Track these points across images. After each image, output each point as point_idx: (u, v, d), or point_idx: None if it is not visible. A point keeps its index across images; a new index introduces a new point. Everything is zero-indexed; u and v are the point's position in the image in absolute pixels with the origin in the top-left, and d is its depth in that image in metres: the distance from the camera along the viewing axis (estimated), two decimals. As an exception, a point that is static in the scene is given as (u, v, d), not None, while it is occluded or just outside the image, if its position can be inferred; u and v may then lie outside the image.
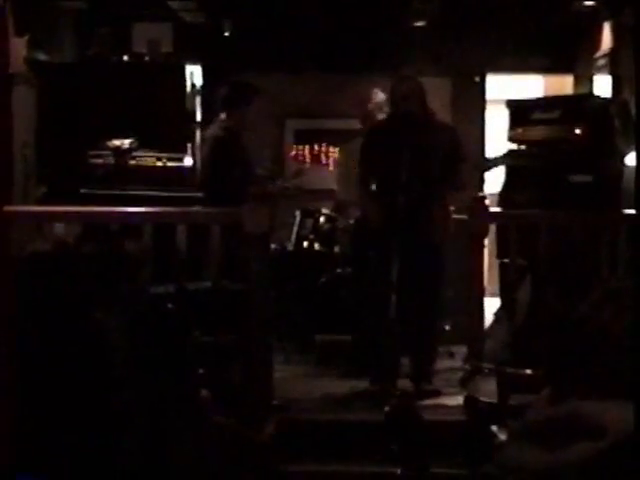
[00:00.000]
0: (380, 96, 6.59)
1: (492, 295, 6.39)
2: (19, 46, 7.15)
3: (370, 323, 5.82)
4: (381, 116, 6.41)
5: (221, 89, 6.60)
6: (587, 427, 1.88)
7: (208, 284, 5.31)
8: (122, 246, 4.64)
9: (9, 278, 2.98)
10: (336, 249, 7.16)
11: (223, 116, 6.35)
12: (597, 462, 1.84)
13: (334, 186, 7.80)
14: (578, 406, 1.92)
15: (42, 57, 7.72)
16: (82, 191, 6.78)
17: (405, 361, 5.79)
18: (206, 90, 8.19)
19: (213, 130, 6.36)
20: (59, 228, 5.52)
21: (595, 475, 1.84)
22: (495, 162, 6.45)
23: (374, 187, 5.85)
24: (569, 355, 2.07)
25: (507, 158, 6.53)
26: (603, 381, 1.99)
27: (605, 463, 1.84)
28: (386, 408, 4.68)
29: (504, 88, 9.26)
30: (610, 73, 7.88)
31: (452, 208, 5.81)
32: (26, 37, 7.27)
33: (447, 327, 6.73)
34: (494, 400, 4.47)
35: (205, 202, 6.08)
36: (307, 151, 9.13)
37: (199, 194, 6.50)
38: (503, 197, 6.59)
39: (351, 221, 7.12)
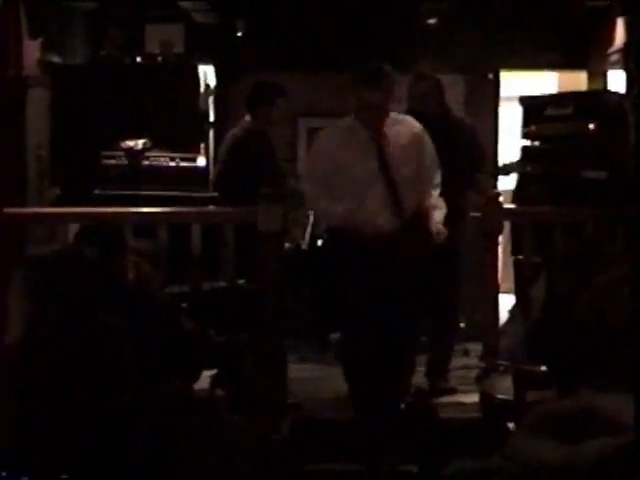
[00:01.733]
0: None
1: (507, 292, 6.37)
2: (33, 49, 7.17)
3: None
4: None
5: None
6: (604, 422, 1.87)
7: (223, 284, 5.32)
8: (124, 245, 4.63)
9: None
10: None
11: (247, 117, 6.30)
12: (616, 457, 1.84)
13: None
14: (593, 400, 1.92)
15: (56, 59, 7.75)
16: (96, 192, 6.81)
17: (421, 359, 5.78)
18: (219, 90, 8.21)
19: (234, 130, 6.32)
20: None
21: (614, 470, 1.84)
22: (510, 168, 6.43)
23: None
24: (574, 349, 2.07)
25: (521, 165, 6.51)
26: (613, 371, 2.00)
27: (624, 459, 1.83)
28: (402, 406, 4.69)
29: (517, 85, 9.23)
30: (624, 69, 7.85)
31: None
32: (39, 40, 7.29)
33: (462, 325, 6.71)
34: (510, 397, 4.46)
35: (218, 201, 6.06)
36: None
37: (213, 194, 6.50)
38: (517, 194, 6.58)
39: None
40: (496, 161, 8.64)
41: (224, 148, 6.29)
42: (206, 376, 4.74)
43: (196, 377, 4.44)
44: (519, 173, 6.53)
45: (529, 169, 6.44)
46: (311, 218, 7.31)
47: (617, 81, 7.99)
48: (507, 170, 6.36)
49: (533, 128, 6.66)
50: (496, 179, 6.84)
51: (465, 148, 5.63)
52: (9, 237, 2.73)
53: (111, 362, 3.59)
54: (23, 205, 5.84)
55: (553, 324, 4.92)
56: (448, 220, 5.58)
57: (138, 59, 8.09)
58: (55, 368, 3.62)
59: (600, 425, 1.88)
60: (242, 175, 5.99)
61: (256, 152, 6.17)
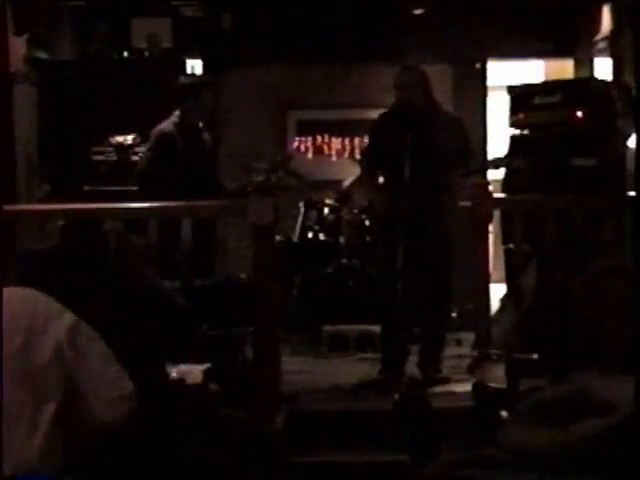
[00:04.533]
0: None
1: (498, 281, 6.39)
2: (19, 45, 7.16)
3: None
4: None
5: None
6: (595, 404, 1.89)
7: (214, 277, 5.32)
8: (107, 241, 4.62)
9: (11, 275, 3.00)
10: (341, 240, 7.17)
11: (176, 112, 6.18)
12: (607, 438, 1.85)
13: (338, 177, 7.83)
14: (585, 384, 1.94)
15: (42, 55, 7.73)
16: (86, 188, 6.81)
17: (413, 349, 5.80)
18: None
19: (162, 125, 6.16)
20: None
21: (605, 450, 1.85)
22: (499, 162, 6.45)
23: (382, 178, 5.85)
24: (568, 333, 2.09)
25: (511, 159, 6.52)
26: (606, 357, 2.01)
27: (615, 438, 1.85)
28: (395, 396, 4.70)
29: (505, 74, 9.25)
30: (610, 56, 7.87)
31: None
32: (26, 36, 7.27)
33: (454, 314, 6.73)
34: (503, 386, 4.47)
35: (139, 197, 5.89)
36: (309, 142, 9.13)
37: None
38: (506, 183, 6.59)
39: (355, 211, 7.15)
40: (485, 150, 8.67)
41: (150, 144, 6.16)
42: (199, 370, 4.75)
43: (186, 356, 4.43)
44: (508, 167, 6.55)
45: (518, 164, 6.45)
46: (302, 210, 7.33)
47: (604, 68, 8.01)
48: (496, 164, 6.37)
49: (521, 116, 6.67)
50: (485, 173, 6.84)
51: (453, 141, 5.60)
52: (10, 233, 2.74)
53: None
54: (13, 202, 5.83)
55: (544, 312, 4.94)
56: (438, 212, 5.61)
57: (125, 54, 8.07)
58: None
59: (592, 407, 1.90)
60: (165, 172, 5.89)
61: (183, 149, 6.03)
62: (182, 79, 6.33)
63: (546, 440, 1.89)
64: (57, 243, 4.19)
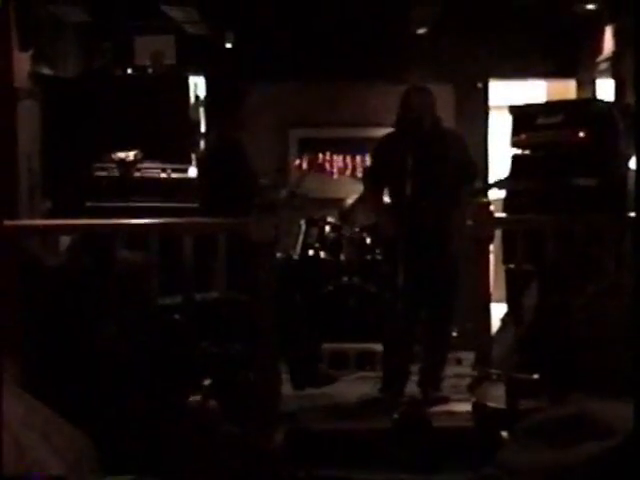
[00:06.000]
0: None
1: (499, 301, 6.39)
2: (23, 61, 7.17)
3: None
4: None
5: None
6: (594, 427, 1.89)
7: (215, 294, 5.32)
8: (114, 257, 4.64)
9: (13, 289, 3.01)
10: (342, 257, 7.17)
11: (217, 126, 6.24)
12: (605, 461, 1.85)
13: (339, 195, 7.84)
14: (584, 406, 1.94)
15: (46, 71, 7.76)
16: (88, 204, 6.81)
17: (413, 368, 5.79)
18: (209, 101, 8.22)
19: (209, 143, 6.26)
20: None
21: (603, 474, 1.85)
22: (502, 184, 6.46)
23: (386, 197, 5.86)
24: (568, 354, 2.09)
25: (511, 180, 6.53)
26: (606, 378, 2.01)
27: (613, 462, 1.85)
28: (395, 415, 4.70)
29: (507, 94, 9.27)
30: (613, 77, 7.89)
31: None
32: (30, 52, 7.30)
33: (454, 333, 6.72)
34: (503, 406, 4.47)
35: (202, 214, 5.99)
36: (311, 160, 9.14)
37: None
38: (508, 202, 6.60)
39: (356, 229, 7.16)
40: (487, 169, 8.68)
41: (202, 164, 6.29)
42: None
43: (190, 387, 4.44)
44: (511, 189, 6.56)
45: (520, 183, 6.46)
46: (303, 227, 7.33)
47: (606, 89, 8.03)
48: (500, 186, 6.39)
49: (523, 137, 6.68)
50: (485, 194, 6.87)
51: (456, 158, 5.62)
52: (4, 249, 2.74)
53: (108, 370, 3.60)
54: (15, 218, 5.84)
55: (545, 332, 4.94)
56: (443, 230, 5.61)
57: (129, 71, 8.10)
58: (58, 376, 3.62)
59: (591, 430, 1.90)
60: (227, 188, 5.96)
61: (235, 162, 6.11)
62: (220, 88, 6.38)
63: (545, 461, 1.89)
64: (65, 260, 4.20)
